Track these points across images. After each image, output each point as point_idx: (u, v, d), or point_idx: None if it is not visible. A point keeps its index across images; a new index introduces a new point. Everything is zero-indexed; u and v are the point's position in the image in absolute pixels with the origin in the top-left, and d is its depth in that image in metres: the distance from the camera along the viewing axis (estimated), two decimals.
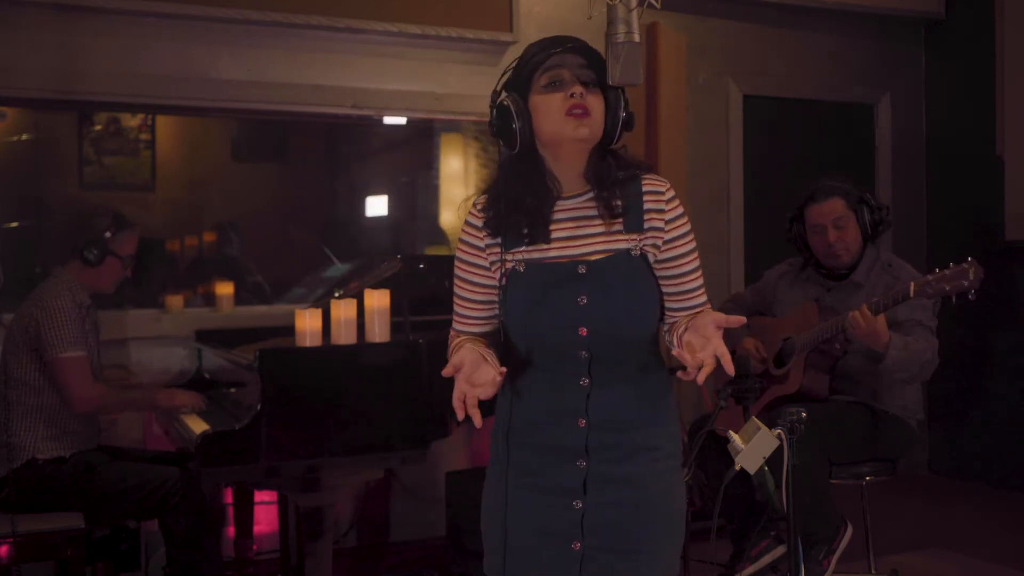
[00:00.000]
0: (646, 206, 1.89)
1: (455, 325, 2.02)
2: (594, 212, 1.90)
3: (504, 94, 1.91)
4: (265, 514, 4.13)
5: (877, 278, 3.50)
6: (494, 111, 1.92)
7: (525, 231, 1.89)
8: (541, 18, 4.76)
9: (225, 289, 4.62)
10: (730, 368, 1.64)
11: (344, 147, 6.14)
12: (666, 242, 1.89)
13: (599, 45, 1.99)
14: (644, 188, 1.90)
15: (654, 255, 1.90)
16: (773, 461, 2.24)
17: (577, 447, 1.87)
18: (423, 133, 5.25)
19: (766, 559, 3.51)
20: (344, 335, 3.17)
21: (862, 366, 3.45)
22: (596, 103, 1.88)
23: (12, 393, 3.38)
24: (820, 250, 3.57)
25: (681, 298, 1.93)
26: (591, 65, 1.90)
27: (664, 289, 1.93)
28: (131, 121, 5.52)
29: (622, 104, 1.92)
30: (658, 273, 1.91)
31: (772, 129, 5.53)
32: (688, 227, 1.92)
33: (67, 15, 3.94)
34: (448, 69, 4.61)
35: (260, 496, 3.98)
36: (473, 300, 1.97)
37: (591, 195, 1.91)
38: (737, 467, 2.23)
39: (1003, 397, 5.43)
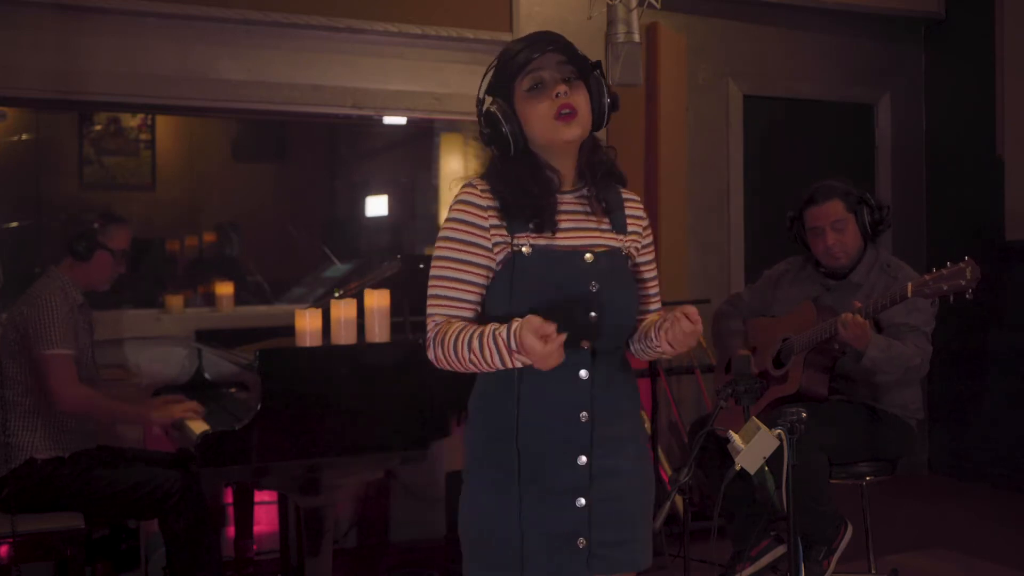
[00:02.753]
0: (627, 211, 1.99)
1: (443, 310, 1.88)
2: (588, 208, 1.95)
3: (489, 100, 1.92)
4: (265, 514, 4.13)
5: (876, 279, 3.50)
6: (482, 119, 1.93)
7: (532, 220, 1.88)
8: (541, 18, 4.75)
9: (225, 289, 4.61)
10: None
11: (344, 147, 6.14)
12: (643, 246, 2.02)
13: (599, 45, 1.99)
14: (623, 195, 2.01)
15: (632, 259, 1.99)
16: (773, 461, 2.24)
17: (581, 442, 1.88)
18: (423, 133, 5.25)
19: (766, 559, 3.51)
20: (344, 335, 3.16)
21: (861, 366, 3.45)
22: (581, 98, 1.89)
23: (9, 393, 3.35)
24: (819, 252, 3.58)
25: (646, 301, 2.05)
26: (569, 60, 1.90)
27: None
28: (131, 121, 5.53)
29: (604, 88, 1.94)
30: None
31: (772, 129, 5.53)
32: (652, 239, 2.06)
33: (67, 15, 3.94)
34: (448, 69, 4.61)
35: (260, 496, 3.98)
36: (473, 283, 1.88)
37: (585, 191, 1.96)
38: (737, 467, 2.23)
39: (1003, 397, 5.43)
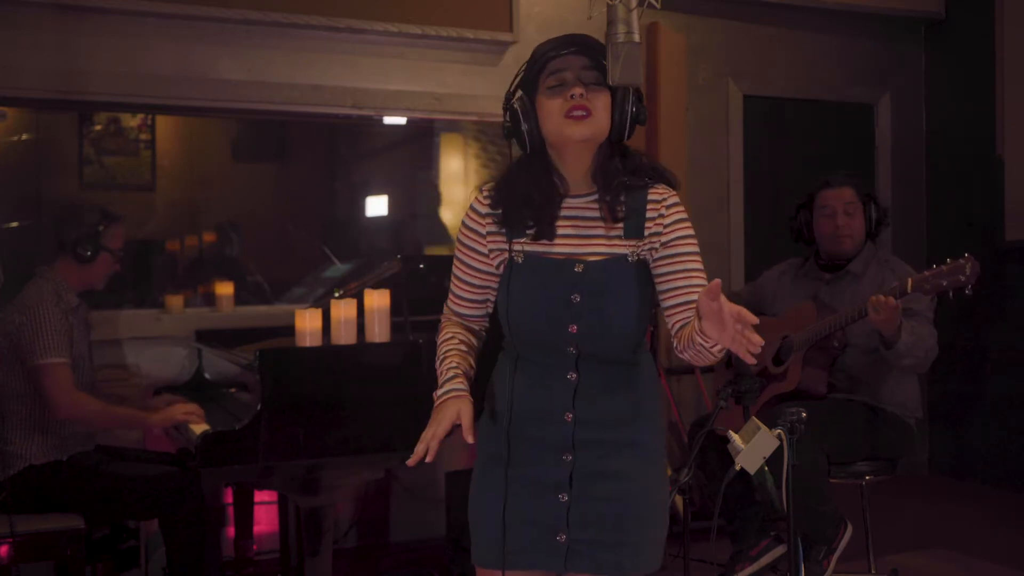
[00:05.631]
0: (648, 214, 1.94)
1: (449, 303, 2.10)
2: (597, 213, 1.94)
3: (517, 95, 1.95)
4: (265, 514, 4.13)
5: (875, 272, 3.52)
6: (507, 112, 1.96)
7: (530, 226, 1.93)
8: (541, 18, 4.76)
9: (225, 289, 4.61)
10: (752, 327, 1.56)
11: (344, 147, 6.13)
12: (666, 243, 1.92)
13: None
14: (649, 197, 1.95)
15: (651, 257, 1.93)
16: (773, 461, 2.24)
17: (564, 442, 1.92)
18: (423, 133, 5.25)
19: (766, 559, 3.51)
20: (344, 335, 3.16)
21: (861, 363, 3.46)
22: (599, 102, 1.91)
23: (3, 403, 3.32)
24: (826, 234, 3.61)
25: (686, 292, 1.89)
26: (596, 65, 1.92)
27: (668, 284, 1.91)
28: (131, 121, 5.52)
29: (630, 99, 1.94)
30: (662, 270, 1.92)
31: (772, 129, 5.53)
32: (690, 229, 1.94)
33: (67, 15, 3.94)
34: (448, 69, 4.61)
35: (260, 496, 3.98)
36: (468, 283, 2.03)
37: (595, 196, 1.95)
38: (737, 467, 2.24)
39: (1003, 397, 5.43)
